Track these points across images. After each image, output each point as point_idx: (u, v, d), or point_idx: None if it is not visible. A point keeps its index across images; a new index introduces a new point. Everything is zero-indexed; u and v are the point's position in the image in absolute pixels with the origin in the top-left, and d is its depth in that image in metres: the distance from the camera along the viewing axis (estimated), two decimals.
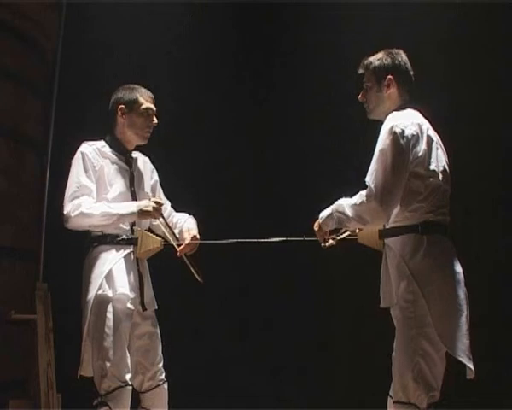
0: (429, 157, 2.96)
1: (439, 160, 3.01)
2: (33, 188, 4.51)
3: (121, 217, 3.30)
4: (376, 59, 3.13)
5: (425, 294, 2.88)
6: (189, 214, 3.65)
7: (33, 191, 4.51)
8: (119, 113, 3.45)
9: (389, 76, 3.08)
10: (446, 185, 3.03)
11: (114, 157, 3.45)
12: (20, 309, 4.05)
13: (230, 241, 3.38)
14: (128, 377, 3.23)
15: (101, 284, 3.25)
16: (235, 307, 5.19)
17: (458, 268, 2.99)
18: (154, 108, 3.49)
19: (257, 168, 5.45)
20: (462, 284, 2.97)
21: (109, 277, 3.27)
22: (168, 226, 3.45)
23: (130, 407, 3.25)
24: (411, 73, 3.13)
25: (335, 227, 3.12)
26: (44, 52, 4.68)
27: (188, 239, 3.42)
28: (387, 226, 3.06)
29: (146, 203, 3.34)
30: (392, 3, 4.85)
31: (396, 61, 3.10)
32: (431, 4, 4.90)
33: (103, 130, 3.54)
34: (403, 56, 3.13)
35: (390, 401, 3.03)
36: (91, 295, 3.25)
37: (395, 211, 2.98)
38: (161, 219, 3.42)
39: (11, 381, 4.06)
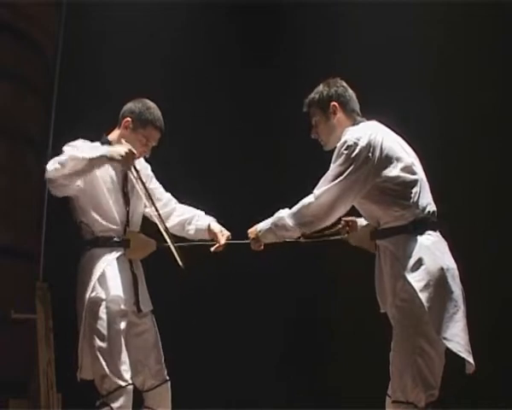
0: (391, 158, 2.99)
1: (405, 157, 3.03)
2: (33, 188, 4.51)
3: (90, 161, 3.15)
4: (316, 93, 3.22)
5: (420, 292, 2.88)
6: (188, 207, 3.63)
7: (33, 191, 4.50)
8: (124, 123, 3.38)
9: (332, 103, 3.17)
10: (421, 178, 3.05)
11: None
12: (20, 309, 4.05)
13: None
14: (128, 376, 3.22)
15: (94, 286, 3.24)
16: (236, 307, 5.19)
17: (452, 264, 3.00)
18: (155, 144, 3.42)
19: (258, 169, 5.46)
20: (457, 279, 2.98)
21: (102, 279, 3.26)
22: (142, 182, 3.32)
23: (134, 407, 3.25)
24: (354, 95, 3.22)
25: (275, 241, 3.17)
26: (44, 52, 4.68)
27: (223, 240, 3.43)
28: (379, 228, 3.08)
29: (117, 147, 3.23)
30: (393, 3, 4.87)
31: (335, 88, 3.19)
32: (430, 4, 4.91)
33: (105, 128, 3.50)
34: (341, 82, 3.23)
35: (388, 401, 3.04)
36: (85, 298, 3.24)
37: (381, 214, 3.03)
38: (133, 171, 3.29)
39: (11, 381, 4.06)
